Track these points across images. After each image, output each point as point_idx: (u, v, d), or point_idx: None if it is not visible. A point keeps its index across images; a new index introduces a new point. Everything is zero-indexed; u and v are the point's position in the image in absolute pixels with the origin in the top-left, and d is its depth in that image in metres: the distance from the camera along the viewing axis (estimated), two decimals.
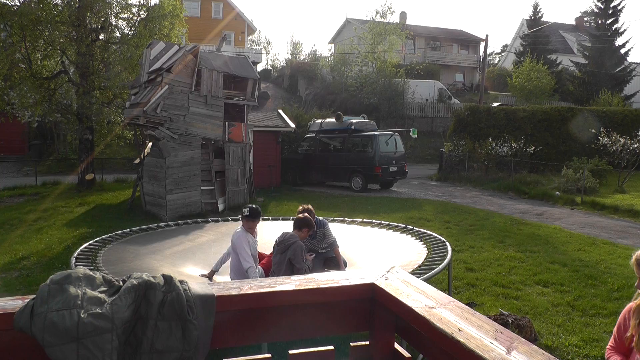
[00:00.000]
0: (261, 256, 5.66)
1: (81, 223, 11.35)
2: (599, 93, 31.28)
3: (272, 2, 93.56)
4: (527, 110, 21.46)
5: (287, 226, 7.22)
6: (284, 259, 4.98)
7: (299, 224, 5.25)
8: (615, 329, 2.39)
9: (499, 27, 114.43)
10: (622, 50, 36.50)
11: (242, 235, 5.21)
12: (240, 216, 5.53)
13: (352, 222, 7.79)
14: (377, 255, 5.98)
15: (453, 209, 13.03)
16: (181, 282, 1.26)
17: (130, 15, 16.41)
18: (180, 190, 11.96)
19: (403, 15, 43.43)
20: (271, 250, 5.51)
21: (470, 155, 19.62)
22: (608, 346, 2.42)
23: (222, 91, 12.68)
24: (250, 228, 5.30)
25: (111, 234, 6.85)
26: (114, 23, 16.48)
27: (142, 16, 16.28)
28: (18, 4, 14.90)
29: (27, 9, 14.27)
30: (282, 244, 5.04)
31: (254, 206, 5.41)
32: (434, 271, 4.90)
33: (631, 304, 2.31)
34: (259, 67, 42.02)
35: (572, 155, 18.60)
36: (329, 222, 7.80)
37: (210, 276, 5.43)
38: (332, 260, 5.67)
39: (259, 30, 70.63)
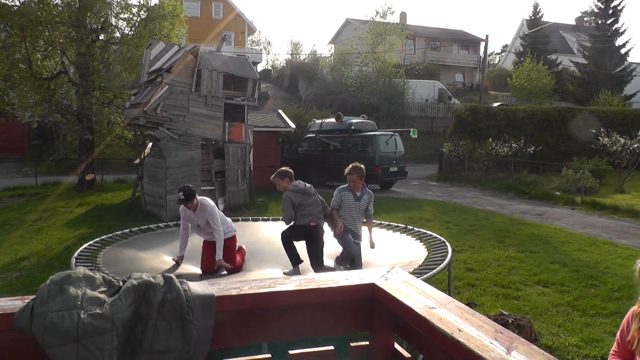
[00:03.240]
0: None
1: (81, 223, 11.35)
2: (599, 93, 31.28)
3: (272, 2, 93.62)
4: (527, 111, 21.47)
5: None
6: (318, 199, 5.72)
7: (281, 174, 5.82)
8: (618, 333, 2.37)
9: (499, 27, 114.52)
10: (622, 51, 36.50)
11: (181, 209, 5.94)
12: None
13: None
14: (377, 255, 5.97)
15: (453, 209, 13.03)
16: (181, 282, 1.26)
17: (130, 16, 16.41)
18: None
19: (403, 15, 43.45)
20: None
21: (470, 155, 19.63)
22: (611, 351, 2.41)
23: (222, 91, 12.68)
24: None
25: (111, 235, 6.85)
26: (114, 23, 16.49)
27: (142, 16, 16.28)
28: (18, 4, 14.90)
29: (27, 9, 14.26)
30: (311, 189, 5.75)
31: (186, 187, 5.83)
32: (434, 271, 4.91)
33: (634, 308, 2.30)
34: (259, 68, 42.04)
35: (572, 156, 18.59)
36: None
37: (178, 261, 5.89)
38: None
39: (259, 31, 70.68)
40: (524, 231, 10.44)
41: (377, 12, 33.97)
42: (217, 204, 12.65)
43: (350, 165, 5.71)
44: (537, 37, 37.21)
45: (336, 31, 45.41)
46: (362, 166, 5.78)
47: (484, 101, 27.98)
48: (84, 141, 16.13)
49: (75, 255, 5.65)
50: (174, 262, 5.89)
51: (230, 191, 12.92)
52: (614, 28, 36.04)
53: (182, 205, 5.88)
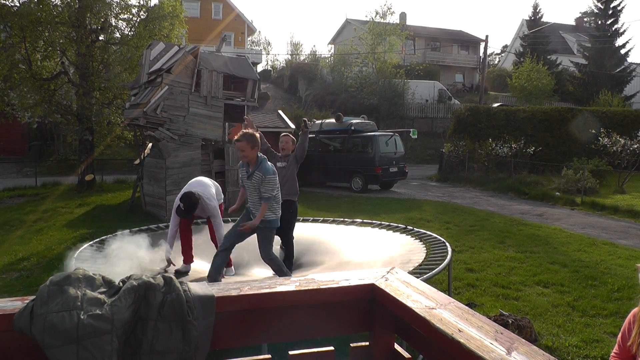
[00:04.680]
0: None
1: (81, 224, 11.35)
2: (599, 93, 31.30)
3: (272, 2, 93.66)
4: (527, 111, 21.48)
5: None
6: None
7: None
8: (619, 336, 2.36)
9: (499, 27, 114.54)
10: (622, 51, 36.53)
11: (176, 205, 5.62)
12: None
13: (352, 222, 7.79)
14: (377, 255, 5.97)
15: (453, 210, 13.03)
16: (181, 282, 1.26)
17: (130, 16, 16.42)
18: (181, 190, 11.96)
19: (403, 15, 43.45)
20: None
21: (470, 155, 19.63)
22: (612, 353, 2.40)
23: (222, 92, 12.69)
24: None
25: (111, 235, 6.84)
26: (113, 24, 16.50)
27: (142, 17, 16.29)
28: (18, 4, 14.91)
29: (26, 9, 14.27)
30: None
31: (186, 198, 5.54)
32: (434, 272, 4.90)
33: (635, 310, 2.29)
34: (259, 68, 42.05)
35: (572, 156, 18.60)
36: (329, 222, 7.81)
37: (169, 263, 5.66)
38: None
39: (259, 31, 70.72)
40: (524, 231, 10.44)
41: (377, 13, 33.99)
42: None
43: (242, 131, 4.83)
44: (537, 37, 37.23)
45: (336, 31, 45.44)
46: (256, 134, 4.79)
47: (484, 102, 28.00)
48: (83, 142, 16.13)
49: (75, 255, 5.64)
50: (172, 265, 5.71)
51: (231, 192, 12.92)
52: (613, 28, 36.07)
53: (176, 203, 5.65)
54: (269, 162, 4.89)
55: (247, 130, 4.80)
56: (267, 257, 5.00)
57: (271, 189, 4.82)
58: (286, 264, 5.51)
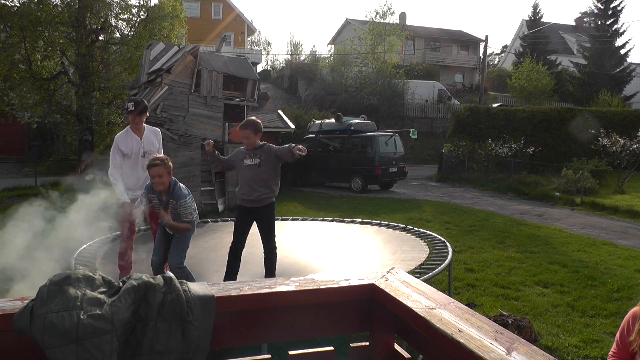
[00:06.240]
0: None
1: None
2: (599, 94, 31.29)
3: (272, 2, 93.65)
4: (526, 111, 21.48)
5: (286, 226, 7.23)
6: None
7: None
8: (617, 334, 2.36)
9: (498, 27, 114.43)
10: (622, 51, 36.52)
11: (119, 138, 4.96)
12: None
13: (352, 222, 7.79)
14: (377, 255, 5.97)
15: (453, 210, 13.03)
16: (181, 283, 1.26)
17: (130, 16, 16.45)
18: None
19: (403, 15, 43.43)
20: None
21: (470, 156, 19.62)
22: (610, 353, 2.40)
23: (222, 92, 12.69)
24: (134, 123, 4.98)
25: (111, 235, 6.84)
26: (113, 24, 16.54)
27: (141, 17, 16.31)
28: (18, 4, 14.92)
29: (26, 9, 14.30)
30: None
31: (138, 99, 5.09)
32: (434, 272, 4.91)
33: (635, 309, 2.29)
34: (259, 68, 42.04)
35: (572, 156, 18.59)
36: (329, 222, 7.82)
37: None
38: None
39: (259, 31, 70.67)
40: (524, 232, 10.44)
41: (377, 13, 33.98)
42: (216, 205, 12.71)
43: (154, 156, 4.35)
44: (537, 37, 37.23)
45: (336, 31, 45.46)
46: (168, 160, 4.23)
47: (484, 102, 28.00)
48: (83, 142, 16.15)
49: (75, 255, 5.64)
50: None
51: (230, 192, 12.91)
52: (613, 29, 36.06)
53: (119, 136, 5.00)
54: (180, 184, 4.36)
55: (161, 155, 4.28)
56: (177, 265, 4.39)
57: (189, 212, 4.31)
58: (267, 272, 4.90)
